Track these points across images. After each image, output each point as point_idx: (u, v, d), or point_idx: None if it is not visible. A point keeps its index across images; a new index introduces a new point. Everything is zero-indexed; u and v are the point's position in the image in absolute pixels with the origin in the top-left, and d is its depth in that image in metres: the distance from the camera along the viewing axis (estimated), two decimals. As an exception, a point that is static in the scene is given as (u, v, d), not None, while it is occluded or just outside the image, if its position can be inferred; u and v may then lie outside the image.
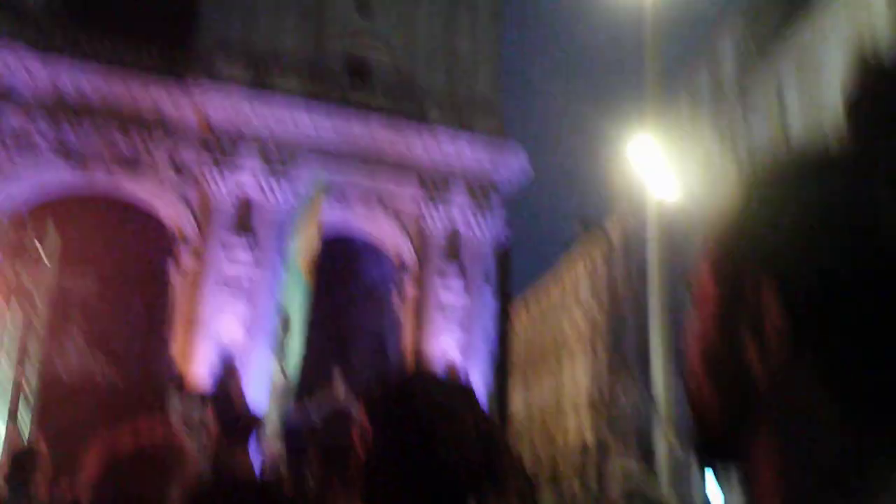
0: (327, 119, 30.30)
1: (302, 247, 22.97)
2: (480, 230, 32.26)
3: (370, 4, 33.48)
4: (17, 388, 17.63)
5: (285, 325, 23.61)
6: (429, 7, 34.22)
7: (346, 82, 31.69)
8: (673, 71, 29.34)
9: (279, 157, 29.74)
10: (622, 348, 40.11)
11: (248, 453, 5.42)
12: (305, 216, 23.81)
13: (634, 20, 14.07)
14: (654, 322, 12.19)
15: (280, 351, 23.70)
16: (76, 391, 23.42)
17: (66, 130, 27.31)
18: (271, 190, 29.40)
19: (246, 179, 29.20)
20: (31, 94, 27.10)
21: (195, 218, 28.53)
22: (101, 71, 27.81)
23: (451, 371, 2.01)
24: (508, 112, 65.22)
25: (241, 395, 24.84)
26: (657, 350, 11.91)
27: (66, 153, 27.35)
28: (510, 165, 33.04)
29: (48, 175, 27.41)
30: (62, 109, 27.36)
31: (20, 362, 17.71)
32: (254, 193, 29.28)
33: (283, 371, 22.71)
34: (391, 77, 32.55)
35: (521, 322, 54.26)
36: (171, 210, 29.03)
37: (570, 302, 50.07)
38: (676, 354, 10.74)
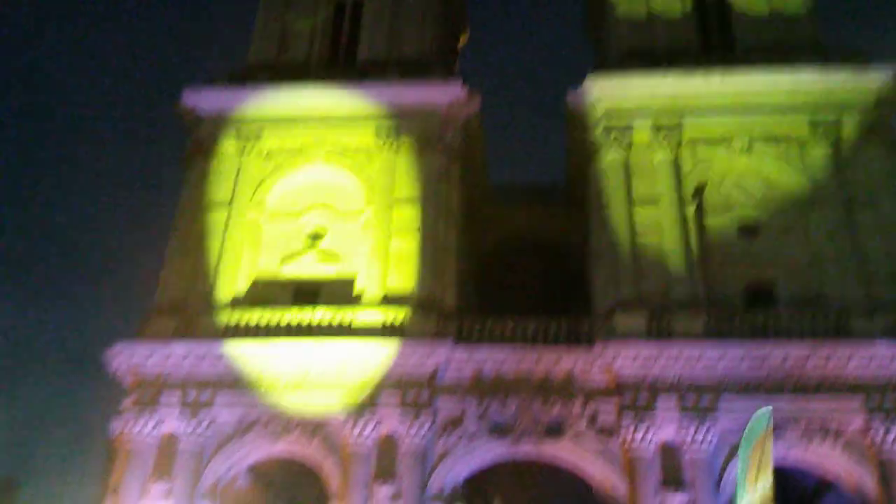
0: (736, 351, 28.92)
1: (755, 489, 20.75)
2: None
3: (756, 229, 32.97)
4: None
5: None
6: (820, 213, 32.66)
7: (744, 310, 30.55)
8: None
9: (696, 401, 28.62)
10: None
11: None
12: (752, 455, 21.86)
13: None
14: None
15: None
16: None
17: (492, 409, 29.62)
18: (694, 435, 28.01)
19: (666, 429, 28.35)
20: (459, 383, 30.19)
21: (622, 473, 28.11)
22: (516, 350, 30.25)
23: None
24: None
25: None
26: None
27: (494, 429, 29.36)
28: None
29: (480, 451, 29.42)
30: (487, 391, 29.90)
31: None
32: (676, 441, 28.18)
33: None
34: (797, 294, 30.74)
35: None
36: (596, 468, 28.92)
37: None
38: None
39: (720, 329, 29.79)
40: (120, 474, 29.69)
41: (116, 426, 30.89)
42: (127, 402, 31.10)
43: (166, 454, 29.84)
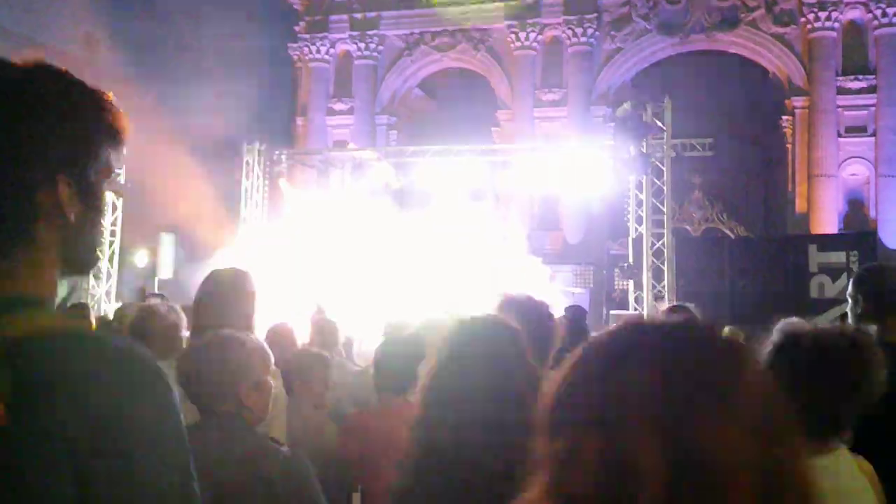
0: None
1: None
2: None
3: None
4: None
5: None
6: None
7: None
8: None
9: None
10: None
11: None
12: None
13: None
14: None
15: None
16: (704, 246, 24.49)
17: (661, 4, 28.43)
18: (882, 15, 26.13)
19: (851, 12, 26.51)
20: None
21: (800, 59, 27.17)
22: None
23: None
24: None
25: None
26: None
27: (663, 25, 28.36)
28: None
29: (648, 48, 29.00)
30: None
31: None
32: (861, 22, 26.48)
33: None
34: None
35: None
36: (773, 55, 28.06)
37: None
38: None
39: None
40: (306, 94, 32.09)
41: (294, 50, 32.63)
42: (299, 27, 32.41)
43: (343, 74, 31.63)
